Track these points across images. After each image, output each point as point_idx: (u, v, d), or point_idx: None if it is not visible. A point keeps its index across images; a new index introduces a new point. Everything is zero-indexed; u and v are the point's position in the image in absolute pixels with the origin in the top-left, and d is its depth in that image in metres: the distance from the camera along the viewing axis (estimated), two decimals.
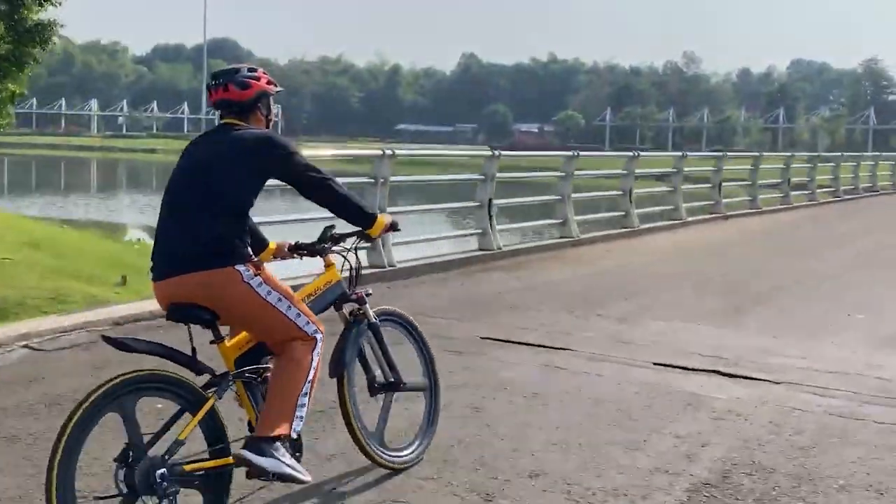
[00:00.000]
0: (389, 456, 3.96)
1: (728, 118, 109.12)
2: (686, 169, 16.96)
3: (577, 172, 13.03)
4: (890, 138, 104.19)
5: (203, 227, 3.33)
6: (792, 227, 16.56)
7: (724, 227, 15.93)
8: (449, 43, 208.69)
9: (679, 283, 9.39)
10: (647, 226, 14.55)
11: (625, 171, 14.51)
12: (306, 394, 3.43)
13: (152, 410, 3.56)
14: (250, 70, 3.58)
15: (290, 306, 3.43)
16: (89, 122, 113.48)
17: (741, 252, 12.52)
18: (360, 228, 3.79)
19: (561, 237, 12.40)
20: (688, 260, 11.59)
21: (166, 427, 3.16)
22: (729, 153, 22.21)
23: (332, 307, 3.84)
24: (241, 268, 3.33)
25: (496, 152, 11.08)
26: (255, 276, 3.37)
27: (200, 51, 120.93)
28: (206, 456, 3.27)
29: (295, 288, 3.63)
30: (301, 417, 3.40)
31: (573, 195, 12.75)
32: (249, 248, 3.49)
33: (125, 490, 3.00)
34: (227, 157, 3.41)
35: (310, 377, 3.45)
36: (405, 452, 4.05)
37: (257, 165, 3.44)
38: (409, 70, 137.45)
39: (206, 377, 3.33)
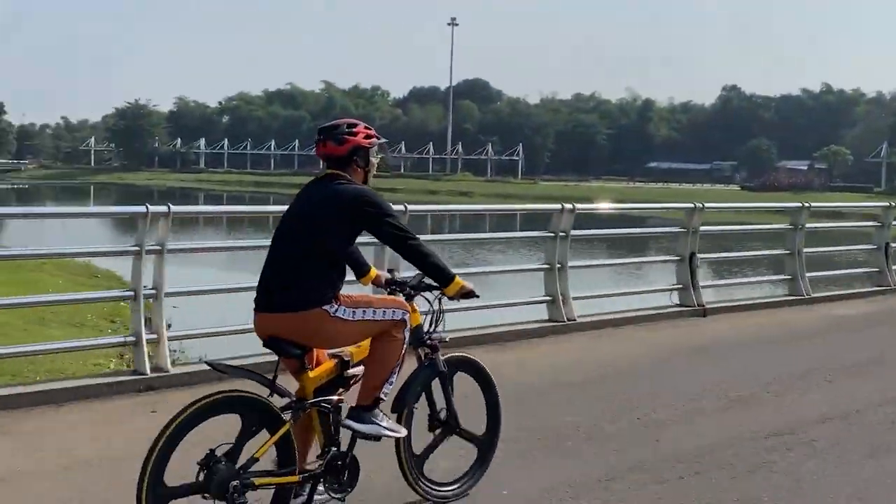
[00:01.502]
0: (428, 486, 4.36)
1: None
2: None
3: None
4: None
5: (299, 273, 3.87)
6: None
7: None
8: (709, 76, 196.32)
9: None
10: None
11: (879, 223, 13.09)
12: (399, 363, 4.10)
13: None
14: (349, 126, 4.07)
15: (374, 311, 4.01)
16: None
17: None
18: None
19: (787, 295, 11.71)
20: None
21: (244, 440, 3.71)
22: None
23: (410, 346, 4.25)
24: (326, 307, 3.90)
25: (698, 204, 10.49)
26: (339, 307, 3.93)
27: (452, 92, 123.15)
28: (276, 472, 3.80)
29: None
30: (391, 382, 4.09)
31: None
32: (339, 288, 3.98)
33: (201, 490, 3.59)
34: (326, 208, 3.94)
35: (402, 351, 4.11)
36: (447, 488, 4.45)
37: (350, 219, 3.96)
38: (667, 105, 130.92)
39: (285, 400, 3.87)
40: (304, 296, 3.84)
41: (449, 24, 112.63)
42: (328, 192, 3.95)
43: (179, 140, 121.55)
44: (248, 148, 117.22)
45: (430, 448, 4.40)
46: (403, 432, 4.12)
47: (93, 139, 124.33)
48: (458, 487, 4.47)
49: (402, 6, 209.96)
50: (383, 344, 4.04)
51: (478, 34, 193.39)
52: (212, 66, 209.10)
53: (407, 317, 4.09)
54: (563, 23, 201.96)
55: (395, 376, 4.07)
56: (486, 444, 4.59)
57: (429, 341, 4.31)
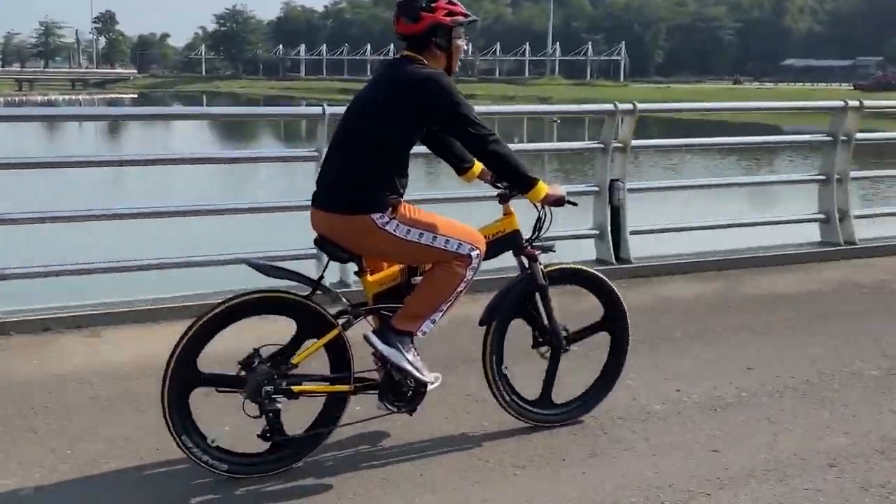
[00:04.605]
0: (523, 407, 3.90)
1: None
2: None
3: None
4: None
5: (351, 169, 3.36)
6: None
7: None
8: None
9: None
10: None
11: None
12: (449, 302, 3.51)
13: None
14: (428, 1, 3.43)
15: (434, 237, 3.45)
16: None
17: None
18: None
19: None
20: None
21: (290, 346, 3.40)
22: None
23: (511, 253, 3.83)
24: (375, 215, 3.35)
25: (854, 102, 7.95)
26: (391, 220, 3.38)
27: None
28: (326, 379, 3.49)
29: None
30: (434, 321, 3.52)
31: None
32: (400, 191, 3.42)
33: (235, 386, 3.37)
34: (389, 94, 3.35)
35: (458, 289, 3.51)
36: (552, 410, 3.96)
37: (415, 107, 3.34)
38: None
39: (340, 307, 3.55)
40: (351, 196, 3.35)
41: None
42: (395, 74, 3.39)
43: (281, 47, 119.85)
44: (346, 53, 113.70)
45: (550, 373, 3.93)
46: (430, 379, 3.55)
47: (203, 47, 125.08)
48: (567, 411, 3.99)
49: None
50: (440, 272, 3.48)
51: None
52: None
53: (475, 254, 3.50)
54: None
55: (441, 314, 3.50)
56: (608, 365, 4.08)
57: (528, 249, 3.78)
